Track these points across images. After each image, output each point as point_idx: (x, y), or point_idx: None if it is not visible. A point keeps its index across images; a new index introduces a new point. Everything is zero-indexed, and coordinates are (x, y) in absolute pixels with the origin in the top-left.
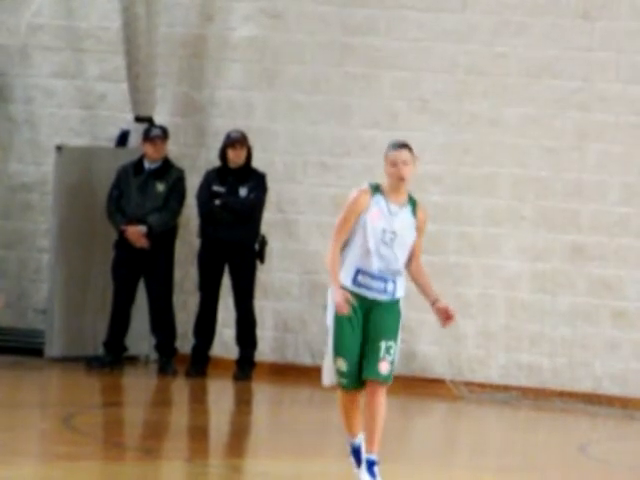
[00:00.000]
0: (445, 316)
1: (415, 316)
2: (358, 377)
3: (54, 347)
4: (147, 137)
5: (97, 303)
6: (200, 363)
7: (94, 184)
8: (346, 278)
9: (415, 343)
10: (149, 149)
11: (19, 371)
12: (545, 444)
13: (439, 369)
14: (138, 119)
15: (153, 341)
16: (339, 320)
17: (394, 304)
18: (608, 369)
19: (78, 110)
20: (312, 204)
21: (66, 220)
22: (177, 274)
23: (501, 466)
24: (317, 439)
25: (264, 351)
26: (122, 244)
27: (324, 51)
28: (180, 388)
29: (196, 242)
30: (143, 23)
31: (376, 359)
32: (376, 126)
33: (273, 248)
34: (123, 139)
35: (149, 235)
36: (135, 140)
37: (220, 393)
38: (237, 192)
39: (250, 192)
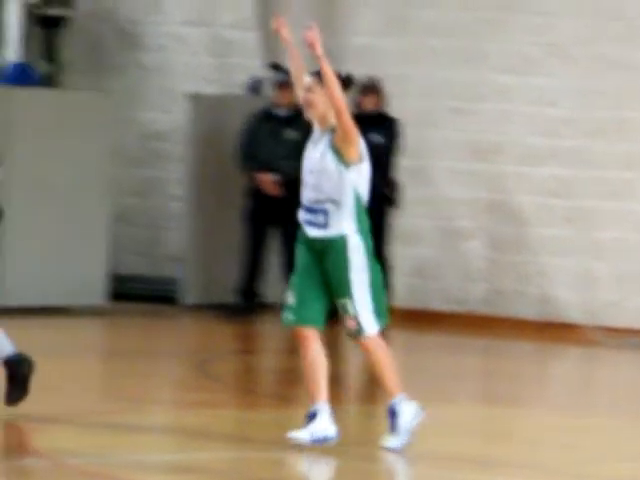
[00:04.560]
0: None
1: (549, 261)
2: (302, 314)
3: (188, 295)
4: (277, 84)
5: (231, 251)
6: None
7: (226, 132)
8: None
9: (549, 288)
10: (279, 96)
11: (153, 319)
12: None
13: (574, 314)
14: (269, 66)
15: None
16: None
17: (337, 244)
18: None
19: (210, 58)
20: (446, 150)
21: (198, 168)
22: None
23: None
24: (451, 384)
25: (398, 297)
26: (254, 192)
27: None
28: None
29: None
30: None
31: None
32: (510, 71)
33: (408, 194)
34: (254, 87)
35: (281, 182)
36: (266, 87)
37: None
38: (371, 138)
39: (384, 138)
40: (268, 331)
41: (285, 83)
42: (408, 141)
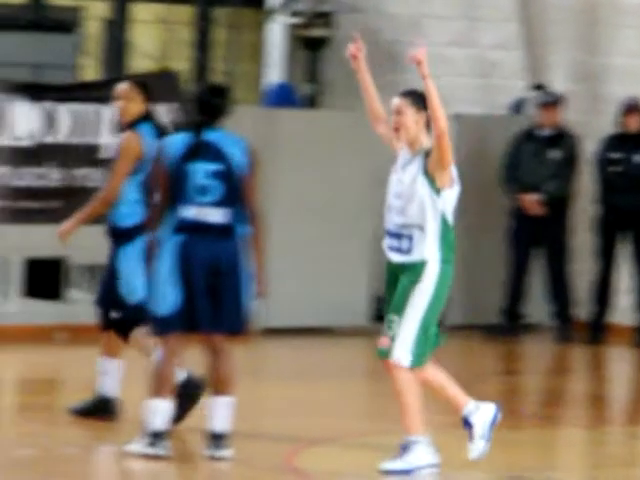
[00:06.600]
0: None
1: None
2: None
3: (453, 315)
4: (541, 104)
5: (495, 271)
6: (597, 330)
7: (489, 153)
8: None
9: None
10: (543, 116)
11: None
12: None
13: None
14: (533, 86)
15: (550, 309)
16: None
17: (415, 268)
18: None
19: (473, 78)
20: None
21: (462, 189)
22: (572, 241)
23: None
24: None
25: None
26: (517, 212)
27: None
28: (577, 356)
29: (591, 209)
30: None
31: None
32: None
33: None
34: (518, 107)
35: (544, 203)
36: (530, 107)
37: (618, 360)
38: (634, 158)
39: None
40: (532, 351)
41: (550, 103)
42: None
